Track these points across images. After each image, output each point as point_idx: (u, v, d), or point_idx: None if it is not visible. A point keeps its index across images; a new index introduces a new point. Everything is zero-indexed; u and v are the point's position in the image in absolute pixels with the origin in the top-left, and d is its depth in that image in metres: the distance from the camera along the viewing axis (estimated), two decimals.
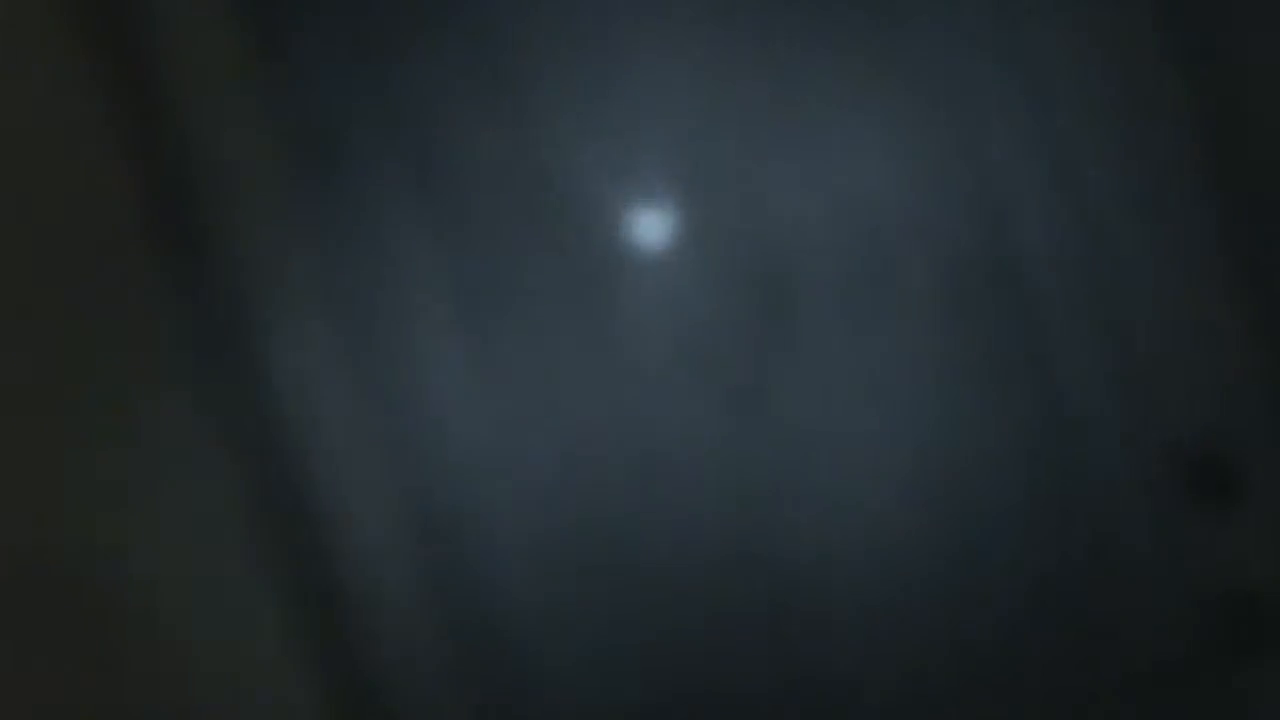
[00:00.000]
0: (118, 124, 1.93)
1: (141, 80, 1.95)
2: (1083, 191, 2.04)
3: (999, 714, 2.06)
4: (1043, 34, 2.04)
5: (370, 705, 2.00)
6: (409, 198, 2.04)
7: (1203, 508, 2.05)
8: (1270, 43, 2.00)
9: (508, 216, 2.04)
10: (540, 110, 2.04)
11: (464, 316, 2.05)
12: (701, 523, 2.06)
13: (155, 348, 1.94)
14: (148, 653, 1.90)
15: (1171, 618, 2.07)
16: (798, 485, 2.06)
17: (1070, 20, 2.03)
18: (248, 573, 1.94)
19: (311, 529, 1.99)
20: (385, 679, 2.01)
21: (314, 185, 2.03)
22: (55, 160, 1.90)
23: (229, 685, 1.92)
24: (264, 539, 1.96)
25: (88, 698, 1.86)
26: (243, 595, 1.94)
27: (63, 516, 1.88)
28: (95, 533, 1.88)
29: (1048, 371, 2.05)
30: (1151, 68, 2.03)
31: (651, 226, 2.05)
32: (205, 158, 1.96)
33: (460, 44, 2.04)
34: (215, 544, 1.93)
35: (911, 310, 2.05)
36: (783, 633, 2.07)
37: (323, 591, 1.99)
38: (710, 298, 2.05)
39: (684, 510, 2.06)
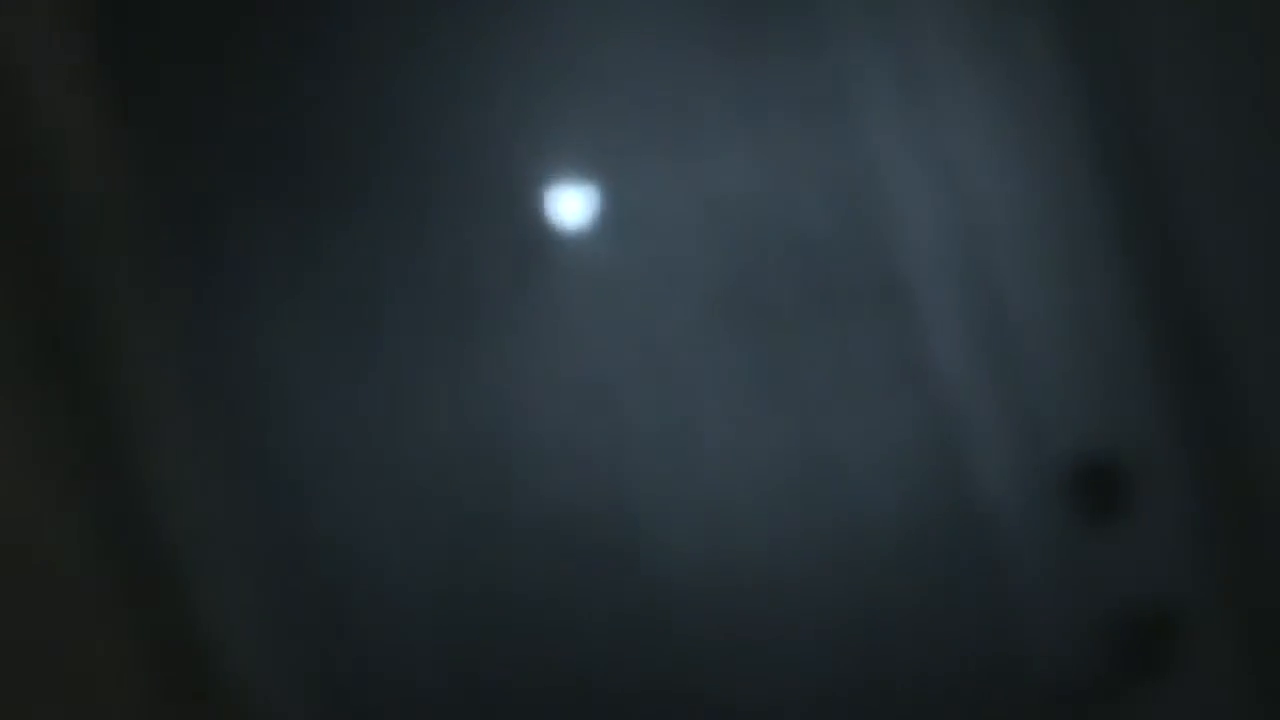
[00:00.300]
0: None
1: (5, 144, 1.91)
2: (967, 194, 2.00)
3: None
4: (924, 30, 1.99)
5: None
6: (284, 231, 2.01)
7: (1095, 522, 2.02)
8: (1158, 39, 1.97)
9: (422, 206, 2.00)
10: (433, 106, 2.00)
11: (359, 323, 2.02)
12: (592, 531, 2.03)
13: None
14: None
15: (1067, 639, 2.03)
16: (671, 493, 2.02)
17: (955, 17, 1.99)
18: (104, 625, 1.91)
19: (177, 575, 1.96)
20: None
21: (180, 201, 2.00)
22: None
23: None
24: (120, 587, 1.93)
25: None
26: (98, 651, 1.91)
27: None
28: None
29: (932, 381, 2.01)
30: (1039, 64, 1.99)
31: (563, 221, 2.01)
32: (72, 223, 1.93)
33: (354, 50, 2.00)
34: (75, 594, 1.90)
35: (787, 316, 2.00)
36: (642, 647, 2.04)
37: (183, 642, 1.96)
38: (587, 306, 2.02)
39: (574, 523, 2.03)
